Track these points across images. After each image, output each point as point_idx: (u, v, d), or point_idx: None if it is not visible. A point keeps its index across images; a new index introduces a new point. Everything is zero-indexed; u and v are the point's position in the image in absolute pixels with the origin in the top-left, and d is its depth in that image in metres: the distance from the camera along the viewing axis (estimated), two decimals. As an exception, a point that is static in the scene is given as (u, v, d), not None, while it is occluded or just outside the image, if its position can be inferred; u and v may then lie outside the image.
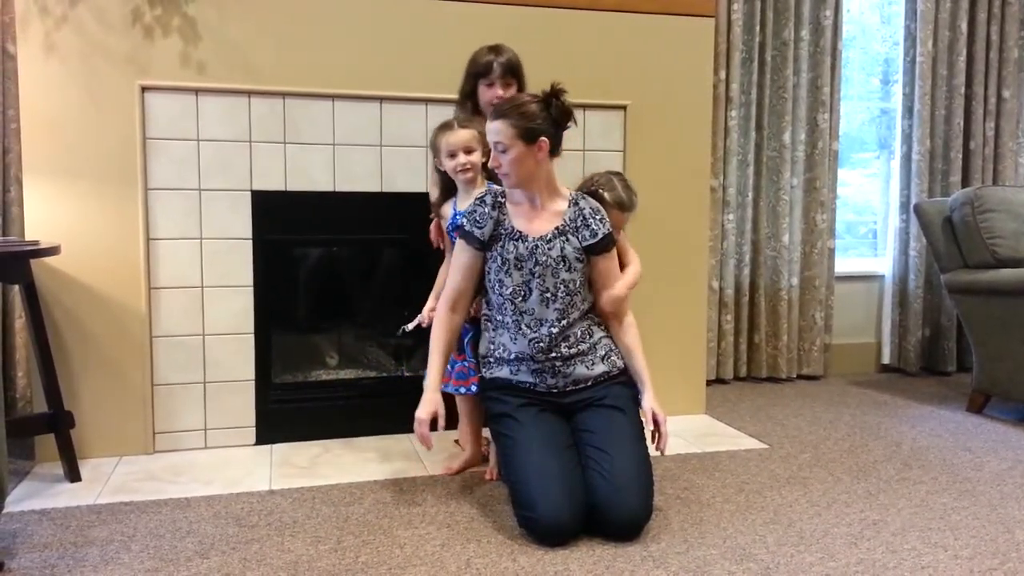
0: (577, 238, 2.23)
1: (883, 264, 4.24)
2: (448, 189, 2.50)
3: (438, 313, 2.31)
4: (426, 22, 2.86)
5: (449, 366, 2.46)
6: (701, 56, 3.19)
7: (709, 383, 3.58)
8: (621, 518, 2.02)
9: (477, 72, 2.54)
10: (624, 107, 3.07)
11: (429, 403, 2.20)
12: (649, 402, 2.22)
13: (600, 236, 2.23)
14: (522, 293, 2.21)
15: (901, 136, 4.08)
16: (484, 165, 2.45)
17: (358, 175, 2.85)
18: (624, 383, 2.25)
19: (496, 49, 2.54)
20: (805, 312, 3.96)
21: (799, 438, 2.97)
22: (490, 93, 2.51)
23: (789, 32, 3.77)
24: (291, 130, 2.77)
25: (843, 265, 4.15)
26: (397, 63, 2.84)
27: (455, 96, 2.89)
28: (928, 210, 3.53)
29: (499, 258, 2.22)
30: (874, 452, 2.81)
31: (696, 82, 3.18)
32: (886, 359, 4.17)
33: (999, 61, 4.08)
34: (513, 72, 2.56)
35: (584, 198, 2.30)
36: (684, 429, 3.05)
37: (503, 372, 2.27)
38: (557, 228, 2.23)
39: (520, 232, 2.22)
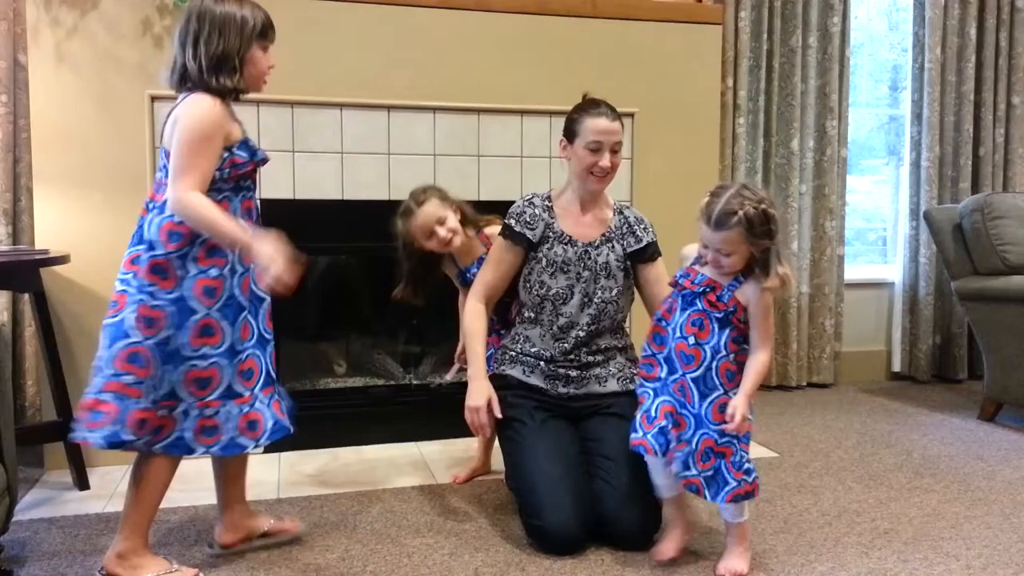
0: (622, 245, 2.25)
1: (893, 271, 4.22)
2: (434, 258, 2.49)
3: (470, 306, 2.28)
4: (434, 31, 2.87)
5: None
6: (709, 63, 3.19)
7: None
8: (630, 527, 2.02)
9: (251, 32, 1.83)
10: (632, 115, 3.06)
11: (481, 390, 2.15)
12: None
13: (645, 243, 2.25)
14: (563, 296, 2.21)
15: (910, 143, 4.07)
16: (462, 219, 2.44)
17: (366, 183, 2.86)
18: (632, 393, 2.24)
19: (258, 4, 1.89)
20: (815, 320, 3.94)
21: (809, 446, 2.95)
22: (269, 61, 1.90)
23: (797, 39, 3.77)
24: (299, 139, 2.78)
25: (853, 272, 4.13)
26: (404, 72, 2.85)
27: (461, 104, 2.90)
28: (938, 217, 3.51)
29: (544, 260, 2.23)
30: (885, 461, 2.79)
31: (704, 89, 3.18)
32: (896, 367, 4.15)
33: (1008, 67, 4.06)
34: None
35: (629, 208, 2.33)
36: (693, 437, 3.03)
37: (515, 371, 2.26)
38: (604, 235, 2.25)
39: (570, 236, 2.23)
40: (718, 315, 1.90)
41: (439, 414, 2.95)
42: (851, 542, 2.09)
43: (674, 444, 1.90)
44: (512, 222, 2.25)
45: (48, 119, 2.56)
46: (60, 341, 2.50)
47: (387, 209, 2.86)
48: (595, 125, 2.14)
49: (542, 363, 2.23)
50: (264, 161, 1.92)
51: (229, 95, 1.81)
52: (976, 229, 3.31)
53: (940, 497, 2.43)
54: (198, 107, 1.76)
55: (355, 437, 2.92)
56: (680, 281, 1.96)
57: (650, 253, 2.26)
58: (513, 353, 2.28)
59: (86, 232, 2.60)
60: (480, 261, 2.40)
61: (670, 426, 1.90)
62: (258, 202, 1.97)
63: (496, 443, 2.44)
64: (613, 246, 2.24)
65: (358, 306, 3.31)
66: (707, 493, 1.88)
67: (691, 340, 1.90)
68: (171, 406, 1.78)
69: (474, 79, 2.92)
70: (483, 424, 2.13)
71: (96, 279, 2.62)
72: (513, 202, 2.33)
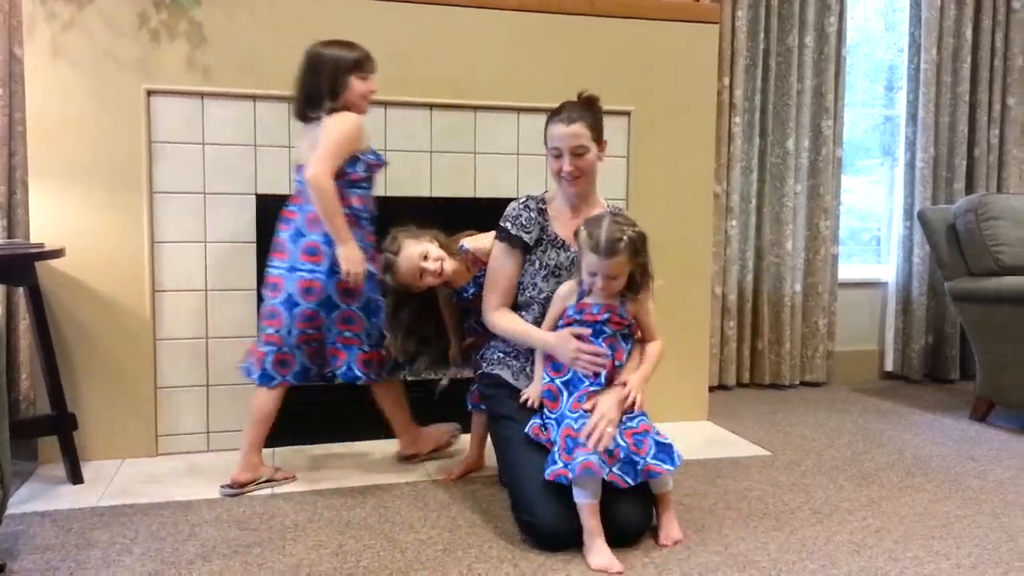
0: None
1: (887, 271, 4.23)
2: (429, 302, 2.48)
3: (494, 316, 2.26)
4: (430, 27, 2.86)
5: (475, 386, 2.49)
6: (705, 62, 3.19)
7: (712, 389, 3.58)
8: (622, 524, 2.02)
9: (348, 65, 2.36)
10: (628, 113, 3.07)
11: (562, 338, 2.09)
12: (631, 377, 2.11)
13: None
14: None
15: (905, 143, 4.08)
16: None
17: (362, 179, 2.86)
18: None
19: (355, 44, 2.42)
20: (808, 319, 3.95)
21: (802, 445, 2.97)
22: (365, 86, 2.39)
23: (793, 39, 3.77)
24: (296, 134, 2.77)
25: (846, 272, 4.14)
26: (401, 68, 2.84)
27: (458, 101, 2.91)
28: (932, 217, 3.53)
29: (538, 262, 2.24)
30: (877, 460, 2.80)
31: (700, 88, 3.18)
32: (889, 366, 4.17)
33: (1004, 68, 4.07)
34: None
35: (620, 210, 2.32)
36: (686, 435, 3.04)
37: (505, 373, 2.27)
38: None
39: (563, 241, 2.23)
40: (623, 332, 2.12)
41: (434, 410, 2.95)
42: (842, 540, 2.10)
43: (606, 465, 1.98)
44: (508, 225, 2.25)
45: (44, 113, 2.56)
46: (54, 335, 2.50)
47: (383, 206, 2.87)
48: (553, 131, 2.19)
49: (529, 367, 2.24)
50: (382, 164, 2.47)
51: (327, 115, 2.35)
52: (970, 230, 3.32)
53: (931, 496, 2.44)
54: (343, 118, 2.34)
55: (348, 432, 2.92)
56: (579, 317, 2.10)
57: None
58: (500, 355, 2.30)
59: (82, 226, 2.60)
60: (475, 279, 2.39)
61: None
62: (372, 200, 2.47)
63: (489, 440, 2.45)
64: None
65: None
66: (665, 467, 2.02)
67: (614, 362, 2.10)
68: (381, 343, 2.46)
69: (471, 76, 2.92)
70: (600, 359, 2.06)
71: (91, 273, 2.62)
72: (509, 200, 2.34)
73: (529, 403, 2.15)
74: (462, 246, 2.41)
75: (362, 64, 2.38)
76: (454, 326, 2.54)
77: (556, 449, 2.02)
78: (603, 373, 2.08)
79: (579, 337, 2.08)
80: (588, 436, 1.96)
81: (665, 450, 2.04)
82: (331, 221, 2.29)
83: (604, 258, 2.00)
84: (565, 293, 2.15)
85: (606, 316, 2.08)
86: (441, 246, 2.41)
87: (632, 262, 2.05)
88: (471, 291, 2.40)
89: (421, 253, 2.35)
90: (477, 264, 2.40)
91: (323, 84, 2.35)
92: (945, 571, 1.94)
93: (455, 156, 2.95)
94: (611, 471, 1.96)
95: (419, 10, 2.85)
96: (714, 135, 3.27)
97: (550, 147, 2.21)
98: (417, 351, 2.50)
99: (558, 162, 2.19)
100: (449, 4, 2.88)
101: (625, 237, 2.01)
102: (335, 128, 2.31)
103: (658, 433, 2.08)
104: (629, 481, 1.97)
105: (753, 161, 3.80)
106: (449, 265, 2.38)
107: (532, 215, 2.24)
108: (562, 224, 2.26)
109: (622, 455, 1.99)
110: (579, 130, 2.16)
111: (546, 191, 2.36)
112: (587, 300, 2.11)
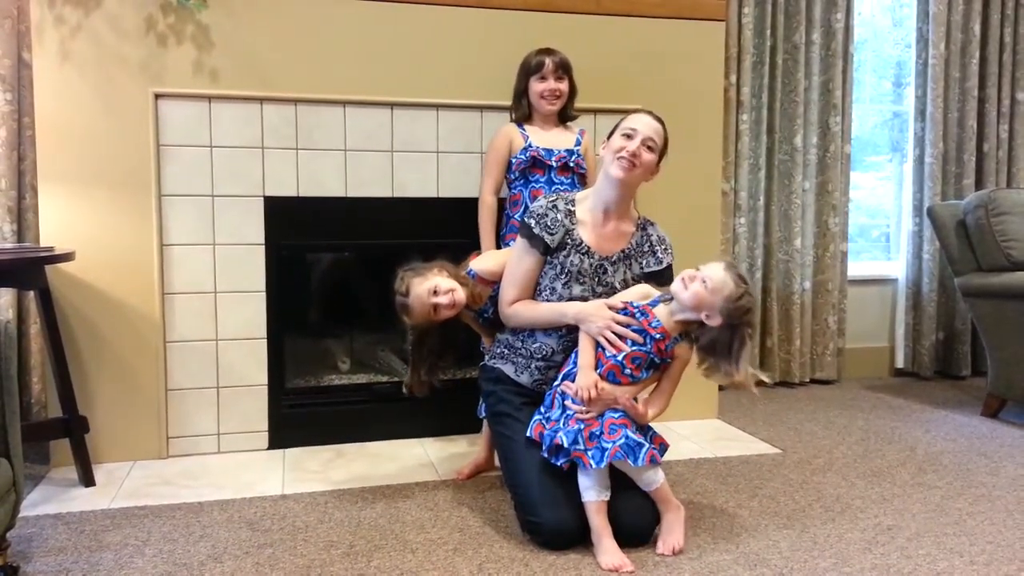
0: (640, 264, 2.21)
1: (896, 268, 4.21)
2: (449, 329, 2.38)
3: (517, 305, 2.21)
4: (437, 28, 2.87)
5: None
6: (712, 60, 3.18)
7: (721, 388, 3.57)
8: (630, 523, 2.01)
9: (528, 70, 2.68)
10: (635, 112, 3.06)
11: (599, 303, 2.09)
12: (636, 402, 2.07)
13: (665, 265, 2.22)
14: None
15: (914, 139, 4.06)
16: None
17: (369, 180, 2.86)
18: None
19: (547, 50, 2.69)
20: (818, 316, 3.94)
21: (812, 443, 2.96)
22: (542, 85, 2.66)
23: (800, 35, 3.76)
24: (303, 136, 2.79)
25: (856, 269, 4.13)
26: (408, 69, 2.85)
27: (465, 101, 2.92)
28: (941, 213, 3.51)
29: (559, 266, 2.17)
30: (888, 457, 2.79)
31: (707, 86, 3.18)
32: (900, 363, 4.15)
33: (1012, 63, 4.05)
34: (565, 68, 2.70)
35: (653, 225, 2.27)
36: (696, 433, 3.04)
37: (507, 367, 2.26)
38: (623, 251, 2.20)
39: (588, 247, 2.17)
40: (657, 360, 2.06)
41: (443, 411, 2.96)
42: (854, 538, 2.10)
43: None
44: (532, 222, 2.17)
45: (52, 117, 2.57)
46: (65, 338, 2.50)
47: (390, 206, 2.89)
48: (637, 118, 2.16)
49: (537, 362, 2.22)
50: (533, 159, 2.64)
51: (522, 119, 2.74)
52: (980, 225, 3.30)
53: (943, 493, 2.43)
54: (493, 136, 2.76)
55: (359, 433, 2.93)
56: (639, 318, 2.05)
57: (667, 276, 2.18)
58: (505, 349, 2.28)
59: (91, 230, 2.61)
60: (492, 298, 2.33)
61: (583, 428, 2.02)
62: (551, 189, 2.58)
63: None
64: (631, 264, 2.20)
65: (362, 303, 3.32)
66: (630, 459, 1.94)
67: (627, 370, 2.04)
68: None
69: (478, 76, 2.92)
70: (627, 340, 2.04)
71: (101, 276, 2.63)
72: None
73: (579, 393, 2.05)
74: (470, 271, 2.36)
75: (539, 67, 2.67)
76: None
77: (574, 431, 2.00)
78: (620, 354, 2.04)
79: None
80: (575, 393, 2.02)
81: (633, 448, 1.94)
82: (480, 234, 2.67)
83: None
84: (644, 291, 2.11)
85: (659, 336, 2.02)
86: (450, 275, 2.29)
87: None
88: (491, 310, 2.35)
89: (429, 290, 2.22)
90: (488, 285, 2.36)
91: (516, 88, 2.74)
92: (958, 568, 1.93)
93: (462, 156, 2.94)
94: (582, 449, 1.96)
95: (425, 11, 2.85)
96: (721, 133, 3.26)
97: (625, 128, 2.14)
98: (436, 383, 2.42)
99: (626, 141, 2.11)
100: (455, 5, 2.88)
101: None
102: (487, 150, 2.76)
103: (636, 432, 1.97)
104: (593, 464, 1.94)
105: (761, 158, 3.79)
106: (460, 293, 2.25)
107: (559, 216, 2.17)
108: (590, 229, 2.18)
109: (595, 438, 1.98)
110: (660, 131, 2.16)
111: (577, 190, 2.32)
112: (656, 310, 2.05)
